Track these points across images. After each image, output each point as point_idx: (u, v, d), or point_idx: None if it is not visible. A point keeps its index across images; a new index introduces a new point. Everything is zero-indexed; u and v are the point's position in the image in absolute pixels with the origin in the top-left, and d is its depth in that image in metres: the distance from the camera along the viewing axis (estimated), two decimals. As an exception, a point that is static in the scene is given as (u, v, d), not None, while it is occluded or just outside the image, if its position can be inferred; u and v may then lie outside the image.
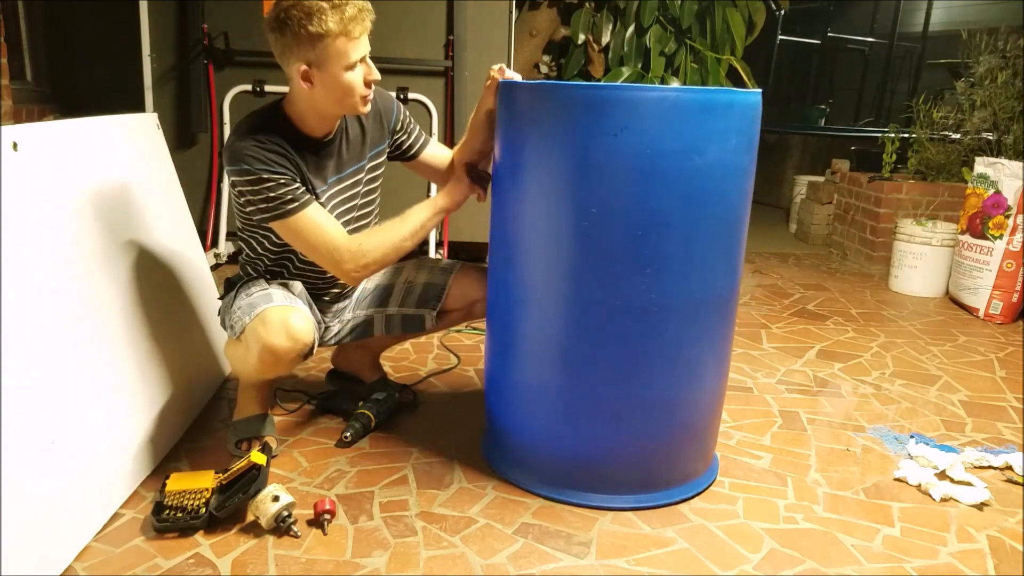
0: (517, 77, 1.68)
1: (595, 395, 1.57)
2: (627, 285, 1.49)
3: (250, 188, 1.60)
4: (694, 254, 1.50)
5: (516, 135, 1.56)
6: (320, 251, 1.65)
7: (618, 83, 3.73)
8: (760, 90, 1.57)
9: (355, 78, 1.59)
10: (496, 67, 1.68)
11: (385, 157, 1.87)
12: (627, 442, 1.59)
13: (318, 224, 1.63)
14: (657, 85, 3.49)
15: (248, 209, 1.66)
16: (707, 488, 1.70)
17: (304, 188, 1.64)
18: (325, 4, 1.51)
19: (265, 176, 1.58)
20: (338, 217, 1.75)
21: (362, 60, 1.60)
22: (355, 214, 1.82)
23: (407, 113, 1.88)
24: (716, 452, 1.83)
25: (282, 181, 1.59)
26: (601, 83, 1.68)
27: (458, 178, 1.79)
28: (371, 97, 1.66)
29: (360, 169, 1.80)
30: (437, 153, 1.93)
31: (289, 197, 1.60)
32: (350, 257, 1.65)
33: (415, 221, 1.71)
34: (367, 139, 1.80)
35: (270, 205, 1.60)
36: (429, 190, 3.39)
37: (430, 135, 3.32)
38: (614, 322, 1.51)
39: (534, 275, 1.58)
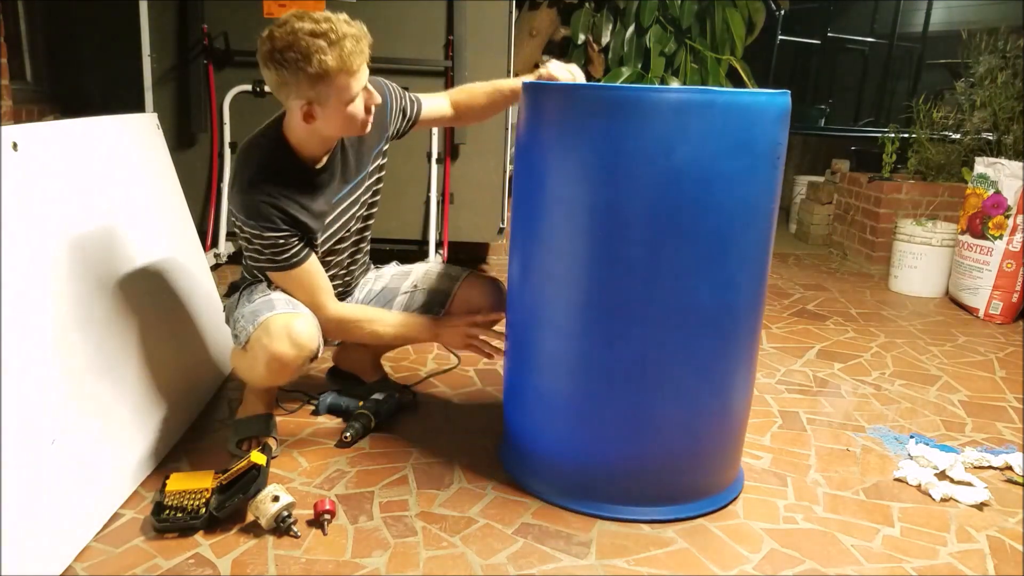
0: (576, 76, 1.77)
1: (610, 404, 1.53)
2: (639, 293, 1.45)
3: (257, 240, 1.63)
4: (694, 262, 1.44)
5: (532, 138, 1.54)
6: (307, 304, 1.72)
7: (618, 84, 3.73)
8: (785, 91, 1.49)
9: (357, 108, 1.57)
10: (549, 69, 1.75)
11: (387, 147, 1.84)
12: (646, 454, 1.54)
13: (309, 282, 1.70)
14: (653, 85, 3.49)
15: (249, 252, 1.70)
16: (729, 504, 1.63)
17: (304, 241, 1.67)
18: (322, 42, 1.46)
19: (268, 235, 1.61)
20: (342, 225, 1.76)
21: (363, 88, 1.57)
22: (362, 212, 1.83)
23: (399, 93, 1.82)
24: (741, 466, 1.76)
25: (282, 241, 1.63)
26: (602, 84, 1.69)
27: (455, 330, 1.84)
28: (372, 120, 1.64)
29: (367, 176, 1.80)
30: (435, 105, 1.89)
31: (290, 255, 1.65)
32: (326, 323, 1.72)
33: (402, 330, 1.83)
34: (367, 143, 1.77)
35: (271, 258, 1.66)
36: (428, 200, 3.39)
37: (429, 135, 3.34)
38: (628, 330, 1.47)
39: (553, 274, 1.54)
